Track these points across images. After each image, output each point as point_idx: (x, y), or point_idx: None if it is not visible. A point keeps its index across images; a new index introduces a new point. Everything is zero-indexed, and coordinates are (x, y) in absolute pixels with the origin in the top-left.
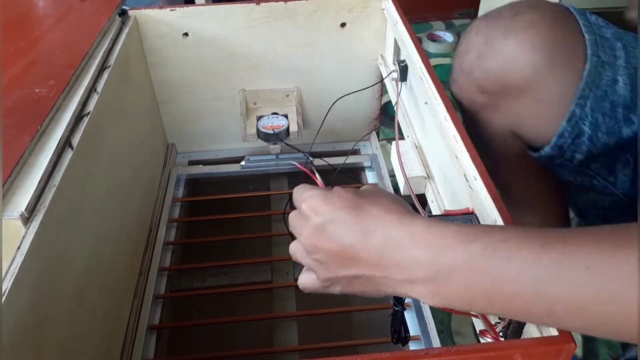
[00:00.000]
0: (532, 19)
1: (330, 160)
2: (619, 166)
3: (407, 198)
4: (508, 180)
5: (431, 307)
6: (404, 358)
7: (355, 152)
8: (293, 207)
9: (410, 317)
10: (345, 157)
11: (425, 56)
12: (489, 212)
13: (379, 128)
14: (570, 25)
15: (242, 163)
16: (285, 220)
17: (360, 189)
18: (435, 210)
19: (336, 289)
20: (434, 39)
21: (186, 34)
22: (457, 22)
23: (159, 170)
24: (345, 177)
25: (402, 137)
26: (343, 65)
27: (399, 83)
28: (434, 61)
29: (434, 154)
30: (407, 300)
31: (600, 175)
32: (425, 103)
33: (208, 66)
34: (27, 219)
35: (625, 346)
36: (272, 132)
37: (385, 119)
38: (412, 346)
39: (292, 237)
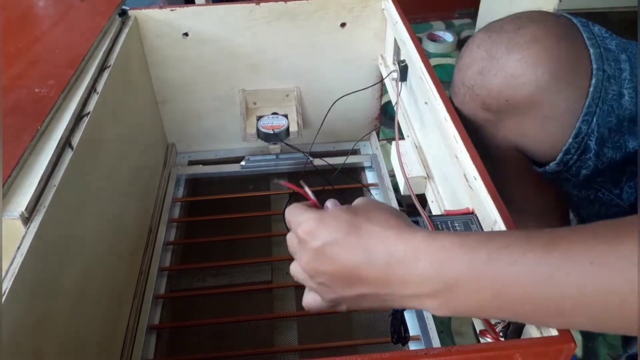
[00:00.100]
0: (536, 34)
1: (330, 160)
2: (625, 179)
3: (407, 198)
4: (514, 195)
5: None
6: (404, 358)
7: (355, 152)
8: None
9: (410, 317)
10: (345, 157)
11: (425, 56)
12: (489, 212)
13: (379, 128)
14: (575, 39)
15: (242, 163)
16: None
17: (353, 204)
18: (435, 210)
19: (342, 308)
20: (434, 39)
21: (186, 34)
22: (457, 22)
23: (159, 170)
24: (345, 177)
25: (402, 137)
26: (343, 65)
27: (399, 83)
28: (434, 61)
29: (434, 154)
30: None
31: (605, 188)
32: (425, 103)
33: (208, 66)
34: (27, 219)
35: (626, 344)
36: (272, 132)
37: (385, 119)
38: (412, 346)
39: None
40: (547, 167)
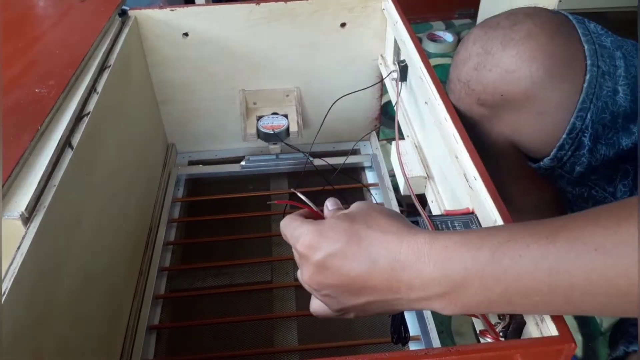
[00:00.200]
0: (531, 29)
1: (330, 160)
2: (618, 177)
3: (407, 198)
4: (508, 190)
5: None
6: (404, 358)
7: (355, 152)
8: (293, 208)
9: (410, 317)
10: (345, 157)
11: (425, 56)
12: (489, 212)
13: (379, 128)
14: (570, 35)
15: (242, 163)
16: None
17: (351, 209)
18: (435, 210)
19: (350, 316)
20: (434, 39)
21: (186, 34)
22: (457, 22)
23: (159, 170)
24: (345, 177)
25: (402, 137)
26: (343, 65)
27: (399, 83)
28: (433, 61)
29: (434, 154)
30: None
31: (599, 185)
32: (425, 103)
33: (208, 66)
34: (27, 219)
35: (611, 347)
36: (272, 132)
37: (385, 119)
38: (412, 346)
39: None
40: (541, 163)
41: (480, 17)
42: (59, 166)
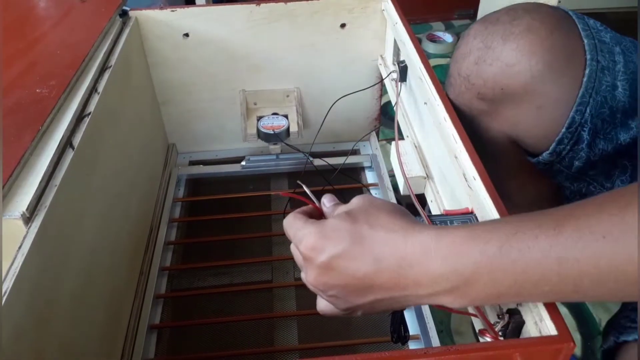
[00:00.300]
0: (531, 24)
1: (330, 160)
2: (617, 172)
3: (407, 198)
4: (506, 185)
5: (430, 307)
6: (404, 357)
7: (355, 152)
8: (293, 207)
9: (409, 317)
10: (345, 157)
11: (424, 57)
12: (488, 211)
13: (378, 128)
14: (569, 30)
15: (243, 163)
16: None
17: (351, 206)
18: (434, 210)
19: (358, 314)
20: (433, 39)
21: (187, 35)
22: (456, 22)
23: (159, 171)
24: (345, 177)
25: (401, 137)
26: (343, 66)
27: (399, 83)
28: (433, 62)
29: (434, 154)
30: None
31: (597, 181)
32: (425, 103)
33: (208, 67)
34: (28, 218)
35: (603, 339)
36: (272, 132)
37: (385, 119)
38: (412, 345)
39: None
40: (540, 158)
41: (480, 18)
42: (60, 166)
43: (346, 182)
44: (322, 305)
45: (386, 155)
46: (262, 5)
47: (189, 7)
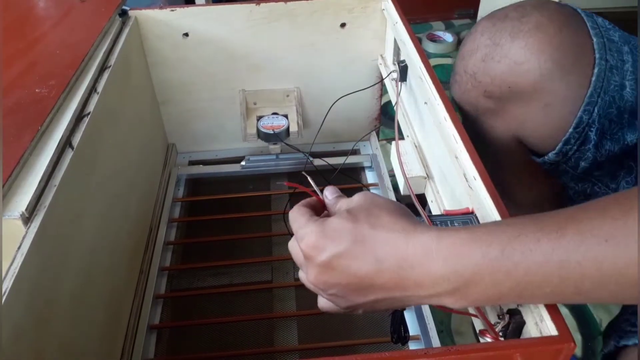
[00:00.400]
0: (540, 21)
1: (330, 160)
2: (622, 173)
3: (407, 198)
4: (510, 184)
5: (430, 307)
6: (404, 358)
7: (355, 152)
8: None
9: (409, 317)
10: (345, 157)
11: (425, 56)
12: (489, 211)
13: (378, 128)
14: (578, 28)
15: (243, 163)
16: (285, 221)
17: (353, 204)
18: (434, 210)
19: (359, 312)
20: (433, 39)
21: (186, 34)
22: (456, 22)
23: (159, 170)
24: (345, 177)
25: (401, 137)
26: (343, 66)
27: (399, 83)
28: (433, 61)
29: (434, 154)
30: None
31: (602, 182)
32: (425, 103)
33: (208, 66)
34: (27, 219)
35: (604, 342)
36: (272, 132)
37: (385, 119)
38: (412, 346)
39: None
40: (546, 158)
41: (480, 17)
42: (60, 166)
43: (346, 182)
44: (323, 302)
45: (386, 155)
46: (262, 4)
47: (189, 6)
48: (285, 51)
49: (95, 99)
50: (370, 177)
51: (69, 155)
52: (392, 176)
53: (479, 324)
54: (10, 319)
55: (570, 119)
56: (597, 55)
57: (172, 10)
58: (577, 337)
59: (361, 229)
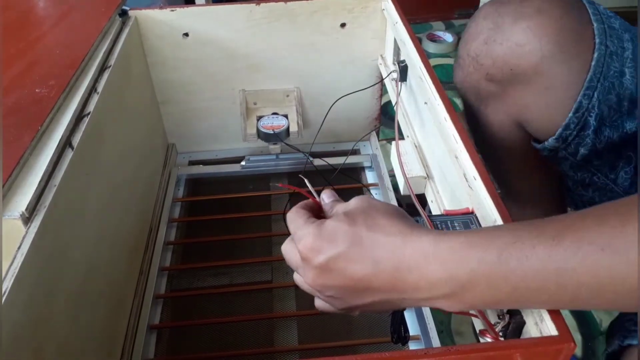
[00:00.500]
0: (542, 5)
1: (330, 160)
2: (621, 163)
3: (407, 198)
4: (509, 173)
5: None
6: (404, 358)
7: (355, 152)
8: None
9: (410, 317)
10: (345, 157)
11: (425, 56)
12: (489, 211)
13: (378, 128)
14: (580, 13)
15: (243, 163)
16: (285, 221)
17: (350, 206)
18: (434, 210)
19: (355, 313)
20: (433, 39)
21: (186, 34)
22: (456, 22)
23: (159, 170)
24: (345, 177)
25: (402, 137)
26: (343, 66)
27: (399, 83)
28: (433, 61)
29: (434, 153)
30: None
31: (601, 172)
32: (425, 103)
33: (208, 66)
34: (27, 219)
35: (607, 342)
36: (272, 132)
37: (385, 119)
38: (412, 346)
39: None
40: (546, 143)
41: None
42: (60, 166)
43: (346, 182)
44: (319, 302)
45: (386, 155)
46: (262, 4)
47: (189, 6)
48: (285, 51)
49: (95, 99)
50: (370, 177)
51: (69, 155)
52: (392, 176)
53: (479, 324)
54: (10, 319)
55: (570, 104)
56: (597, 40)
57: (172, 10)
58: (577, 337)
59: (358, 232)
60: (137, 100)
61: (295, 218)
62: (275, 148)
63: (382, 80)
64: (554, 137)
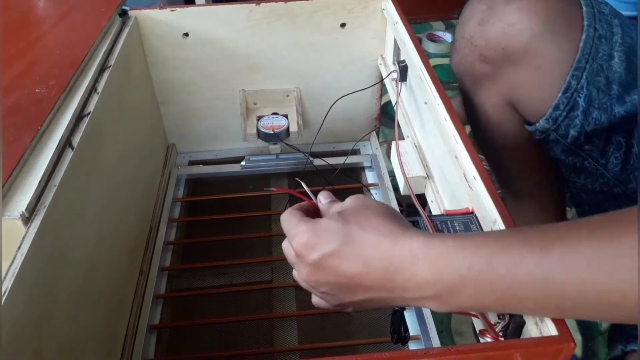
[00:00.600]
0: None
1: (330, 160)
2: (611, 149)
3: (407, 198)
4: (507, 165)
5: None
6: (404, 358)
7: (355, 152)
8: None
9: (410, 317)
10: (345, 157)
11: (425, 56)
12: (489, 211)
13: (379, 128)
14: None
15: (243, 163)
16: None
17: (345, 205)
18: (434, 210)
19: (349, 310)
20: (433, 39)
21: (186, 34)
22: (456, 22)
23: (159, 170)
24: (345, 177)
25: (402, 137)
26: (343, 66)
27: (399, 83)
28: (433, 61)
29: (434, 153)
30: None
31: (591, 157)
32: (425, 103)
33: (208, 66)
34: (27, 219)
35: (610, 347)
36: (272, 132)
37: (385, 119)
38: (412, 346)
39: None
40: (537, 125)
41: None
42: (60, 166)
43: (346, 182)
44: (316, 298)
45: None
46: (262, 4)
47: (189, 6)
48: (285, 51)
49: (95, 99)
50: (370, 177)
51: (69, 155)
52: (393, 176)
53: (479, 324)
54: (10, 319)
55: (560, 84)
56: (585, 23)
57: (172, 10)
58: (577, 337)
59: (350, 230)
60: (137, 100)
61: (289, 218)
62: (275, 148)
63: (382, 80)
64: (544, 118)
